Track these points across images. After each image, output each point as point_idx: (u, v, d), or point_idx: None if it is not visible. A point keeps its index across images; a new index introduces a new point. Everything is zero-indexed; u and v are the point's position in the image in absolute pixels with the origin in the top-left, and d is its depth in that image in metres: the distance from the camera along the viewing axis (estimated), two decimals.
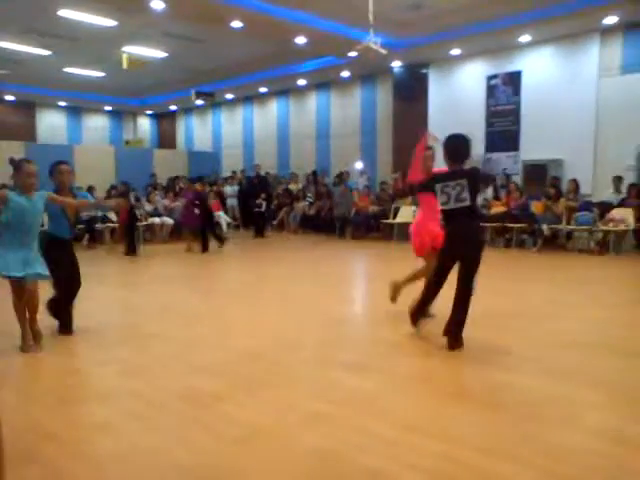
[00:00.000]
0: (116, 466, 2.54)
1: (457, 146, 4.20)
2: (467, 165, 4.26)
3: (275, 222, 15.18)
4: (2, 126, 17.92)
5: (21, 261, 4.12)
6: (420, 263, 5.16)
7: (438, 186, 4.16)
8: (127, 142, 20.63)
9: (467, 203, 4.06)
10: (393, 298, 5.32)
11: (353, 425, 2.90)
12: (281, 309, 5.91)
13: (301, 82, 16.38)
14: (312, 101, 16.98)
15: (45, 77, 16.81)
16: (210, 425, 2.94)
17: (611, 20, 10.57)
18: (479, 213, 4.36)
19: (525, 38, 11.70)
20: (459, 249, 4.13)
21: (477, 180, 4.19)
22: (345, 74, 15.34)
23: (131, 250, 10.69)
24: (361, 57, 11.30)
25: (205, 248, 10.91)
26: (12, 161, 4.39)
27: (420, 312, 4.56)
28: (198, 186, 11.46)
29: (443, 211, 4.22)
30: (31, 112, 19.41)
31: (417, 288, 4.79)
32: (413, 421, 2.95)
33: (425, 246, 4.91)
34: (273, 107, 18.11)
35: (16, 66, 15.27)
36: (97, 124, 21.18)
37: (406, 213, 12.39)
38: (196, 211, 11.05)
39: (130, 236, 10.88)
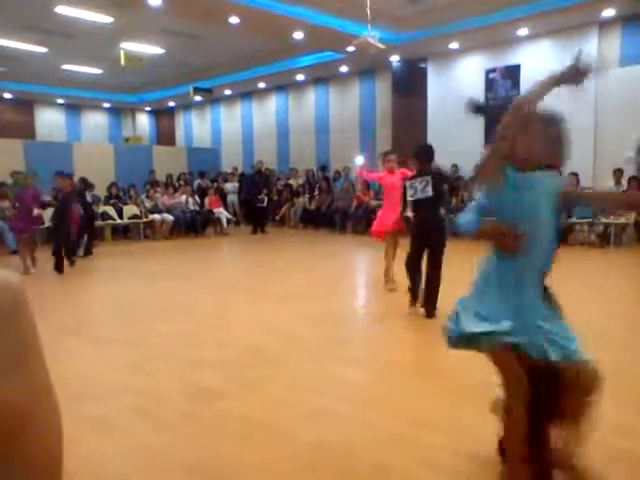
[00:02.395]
0: (118, 463, 2.55)
1: (423, 151, 5.23)
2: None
3: (278, 217, 15.18)
4: (1, 124, 17.89)
5: (516, 312, 2.02)
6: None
7: (408, 183, 5.14)
8: (126, 139, 20.59)
9: (429, 194, 4.95)
10: (392, 289, 6.21)
11: (356, 420, 2.91)
12: (282, 305, 5.92)
13: (300, 77, 16.34)
14: (311, 96, 16.95)
15: (43, 74, 16.77)
16: (212, 421, 2.95)
17: (609, 13, 10.54)
18: (443, 205, 5.41)
19: (523, 31, 11.67)
20: (426, 235, 5.04)
21: (441, 179, 5.17)
22: (343, 69, 15.30)
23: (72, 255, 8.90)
24: (359, 52, 11.27)
25: (59, 267, 8.12)
26: (487, 108, 2.12)
27: (414, 296, 5.25)
28: (61, 180, 8.64)
29: (412, 202, 5.13)
30: (29, 110, 19.36)
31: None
32: (416, 415, 2.96)
33: (381, 230, 6.19)
34: (272, 102, 18.07)
35: (13, 63, 15.23)
36: (96, 121, 21.14)
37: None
38: (36, 212, 8.14)
39: (84, 238, 9.93)
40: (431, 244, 5.03)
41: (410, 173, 5.68)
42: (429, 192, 4.95)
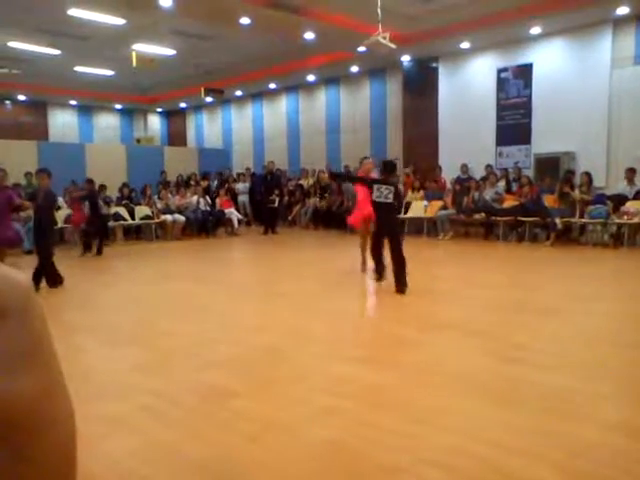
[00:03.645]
0: (130, 462, 2.57)
1: (387, 165, 6.88)
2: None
3: (290, 218, 15.16)
4: (15, 126, 18.08)
5: None
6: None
7: (375, 186, 6.45)
8: (138, 140, 20.72)
9: (390, 201, 6.36)
10: (364, 270, 7.59)
11: (365, 419, 2.90)
12: (293, 305, 5.93)
13: (310, 78, 16.35)
14: (322, 96, 16.95)
15: (56, 76, 16.92)
16: (223, 420, 2.96)
17: (623, 10, 10.43)
18: (396, 207, 6.85)
19: (536, 30, 11.58)
20: (384, 229, 6.45)
21: (397, 191, 6.66)
22: (354, 69, 15.28)
23: (88, 249, 10.05)
24: (370, 52, 11.25)
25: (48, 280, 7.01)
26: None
27: (380, 274, 6.79)
28: (46, 179, 6.97)
29: (374, 202, 6.44)
30: (43, 111, 19.54)
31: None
32: (425, 414, 2.95)
33: (358, 221, 7.43)
34: (283, 103, 18.09)
35: (27, 65, 15.39)
36: (108, 122, 21.29)
37: (417, 208, 12.36)
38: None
39: (94, 236, 10.29)
40: (389, 235, 6.41)
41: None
42: (390, 199, 6.38)
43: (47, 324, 0.57)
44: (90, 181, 11.06)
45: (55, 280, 7.04)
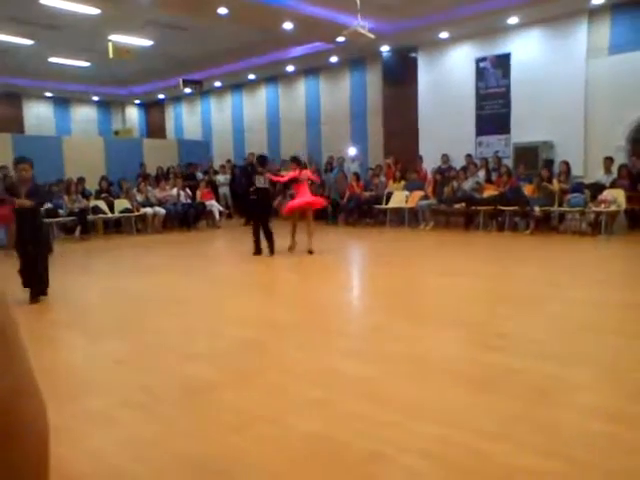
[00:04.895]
0: (115, 457, 2.55)
1: (259, 159, 8.74)
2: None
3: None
4: None
5: None
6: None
7: (256, 176, 8.44)
8: (116, 132, 20.41)
9: (266, 186, 8.54)
10: (291, 248, 8.89)
11: (349, 410, 2.92)
12: (274, 297, 5.92)
13: (290, 68, 16.25)
14: (301, 87, 16.87)
15: (30, 68, 16.57)
16: (208, 414, 2.95)
17: (598, 1, 10.53)
18: (269, 190, 8.82)
19: (513, 20, 11.65)
20: (258, 209, 8.56)
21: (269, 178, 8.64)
22: (334, 59, 15.23)
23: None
24: (349, 42, 11.22)
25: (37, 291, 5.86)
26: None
27: (257, 246, 8.60)
28: (27, 170, 5.70)
29: (256, 187, 8.43)
30: (17, 104, 19.15)
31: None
32: (409, 405, 2.97)
33: (290, 210, 8.83)
34: (262, 94, 17.97)
35: None
36: (85, 115, 20.94)
37: (398, 198, 12.41)
38: None
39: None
40: (262, 213, 8.53)
41: (306, 172, 9.08)
42: (266, 185, 8.55)
43: (18, 325, 0.55)
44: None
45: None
